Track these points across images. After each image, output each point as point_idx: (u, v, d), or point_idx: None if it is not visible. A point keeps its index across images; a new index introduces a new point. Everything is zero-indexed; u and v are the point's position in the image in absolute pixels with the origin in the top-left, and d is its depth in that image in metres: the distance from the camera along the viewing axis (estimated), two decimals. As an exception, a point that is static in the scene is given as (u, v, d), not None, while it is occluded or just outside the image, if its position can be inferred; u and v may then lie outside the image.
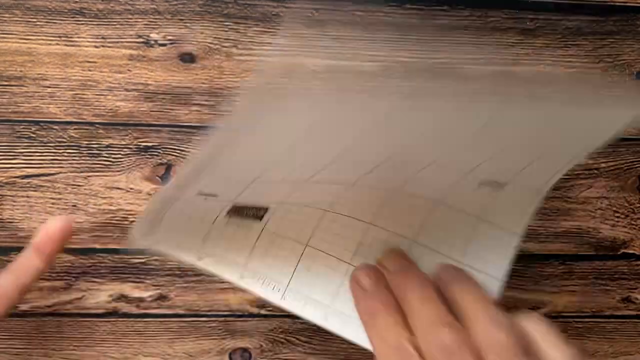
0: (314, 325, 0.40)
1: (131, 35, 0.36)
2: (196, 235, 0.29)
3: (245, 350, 0.41)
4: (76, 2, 0.35)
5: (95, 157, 0.37)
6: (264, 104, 0.20)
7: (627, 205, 0.41)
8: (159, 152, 0.38)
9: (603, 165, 0.40)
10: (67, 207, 0.38)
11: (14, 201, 0.37)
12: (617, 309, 0.43)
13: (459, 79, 0.26)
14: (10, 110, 0.36)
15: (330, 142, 0.23)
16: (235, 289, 0.39)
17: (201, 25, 0.36)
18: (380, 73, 0.38)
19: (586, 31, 0.38)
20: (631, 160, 0.40)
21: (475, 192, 0.28)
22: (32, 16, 0.35)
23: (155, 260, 0.38)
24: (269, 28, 0.36)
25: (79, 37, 0.35)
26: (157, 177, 0.38)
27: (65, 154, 0.37)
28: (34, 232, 0.38)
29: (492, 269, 0.28)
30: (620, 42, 0.38)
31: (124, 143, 0.37)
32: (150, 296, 0.39)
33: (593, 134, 0.24)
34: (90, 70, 0.36)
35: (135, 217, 0.38)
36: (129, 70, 0.36)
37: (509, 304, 0.41)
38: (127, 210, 0.38)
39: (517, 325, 0.24)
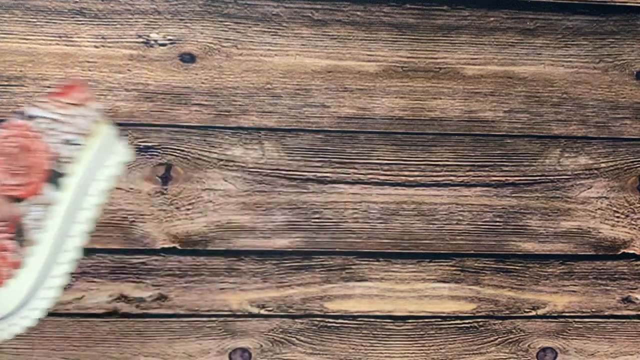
0: (315, 325, 0.40)
1: (131, 35, 0.36)
2: None
3: (245, 350, 0.41)
4: (76, 2, 0.35)
5: (95, 157, 0.37)
6: None
7: (627, 205, 0.41)
8: (159, 152, 0.38)
9: (603, 165, 0.40)
10: (67, 207, 0.38)
11: (14, 201, 0.37)
12: (617, 309, 0.43)
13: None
14: (10, 110, 0.36)
15: None
16: (235, 289, 0.39)
17: (201, 25, 0.36)
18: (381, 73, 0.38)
19: (586, 31, 0.38)
20: (631, 160, 0.40)
21: None
22: (32, 16, 0.35)
23: (155, 260, 0.39)
24: (269, 28, 0.36)
25: (79, 37, 0.35)
26: (157, 177, 0.38)
27: (65, 154, 0.37)
28: (34, 232, 0.38)
29: None
30: (620, 42, 0.38)
31: (124, 143, 0.37)
32: (150, 296, 0.39)
33: None
34: (90, 70, 0.36)
35: (135, 217, 0.38)
36: (129, 70, 0.36)
37: (509, 304, 0.42)
38: (127, 210, 0.38)
39: None
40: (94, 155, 0.26)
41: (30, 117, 0.26)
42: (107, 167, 0.27)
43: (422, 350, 0.42)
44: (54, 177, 0.26)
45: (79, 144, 0.26)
